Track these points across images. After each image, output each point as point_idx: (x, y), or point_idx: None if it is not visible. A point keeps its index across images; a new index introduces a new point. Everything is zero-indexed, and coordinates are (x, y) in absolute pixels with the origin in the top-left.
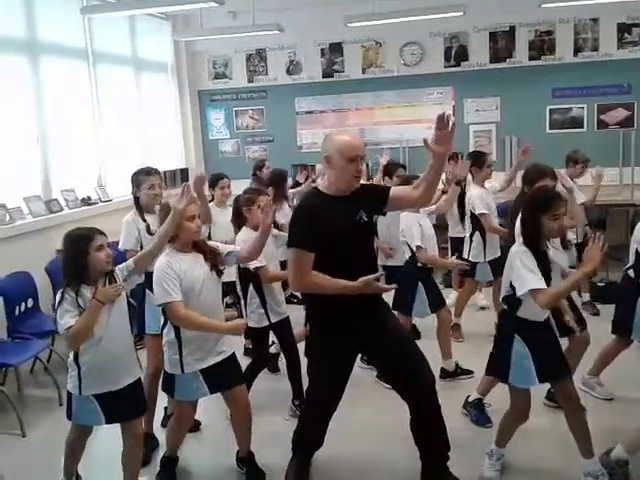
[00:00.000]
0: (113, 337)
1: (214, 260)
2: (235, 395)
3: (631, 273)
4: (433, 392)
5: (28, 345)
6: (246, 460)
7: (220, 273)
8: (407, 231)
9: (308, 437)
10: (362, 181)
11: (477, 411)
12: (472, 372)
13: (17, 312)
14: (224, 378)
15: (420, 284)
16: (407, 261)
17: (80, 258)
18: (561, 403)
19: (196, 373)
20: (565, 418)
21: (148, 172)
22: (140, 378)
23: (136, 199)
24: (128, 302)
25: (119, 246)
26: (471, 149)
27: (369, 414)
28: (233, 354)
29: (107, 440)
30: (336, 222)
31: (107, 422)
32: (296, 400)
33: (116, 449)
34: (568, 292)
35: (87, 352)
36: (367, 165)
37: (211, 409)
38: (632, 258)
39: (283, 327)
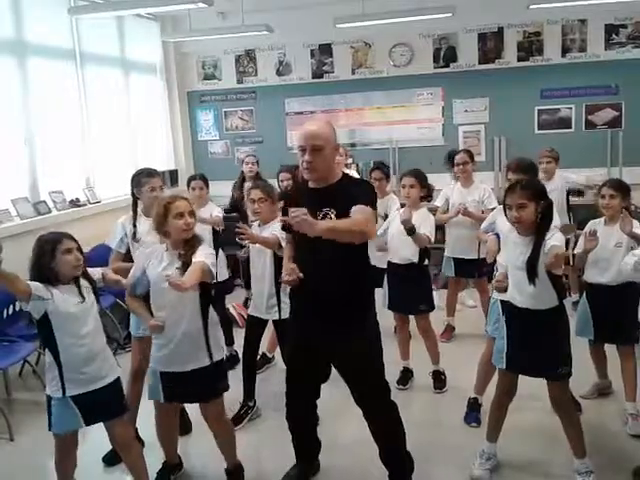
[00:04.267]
0: (93, 334)
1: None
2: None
3: None
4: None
5: (16, 348)
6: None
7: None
8: None
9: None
10: None
11: (468, 409)
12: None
13: (5, 315)
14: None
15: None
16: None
17: (44, 260)
18: (554, 403)
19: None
20: (560, 419)
21: (149, 174)
22: (118, 378)
23: (134, 200)
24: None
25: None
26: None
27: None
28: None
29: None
30: None
31: (87, 424)
32: None
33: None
34: None
35: (68, 350)
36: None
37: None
38: None
39: None
